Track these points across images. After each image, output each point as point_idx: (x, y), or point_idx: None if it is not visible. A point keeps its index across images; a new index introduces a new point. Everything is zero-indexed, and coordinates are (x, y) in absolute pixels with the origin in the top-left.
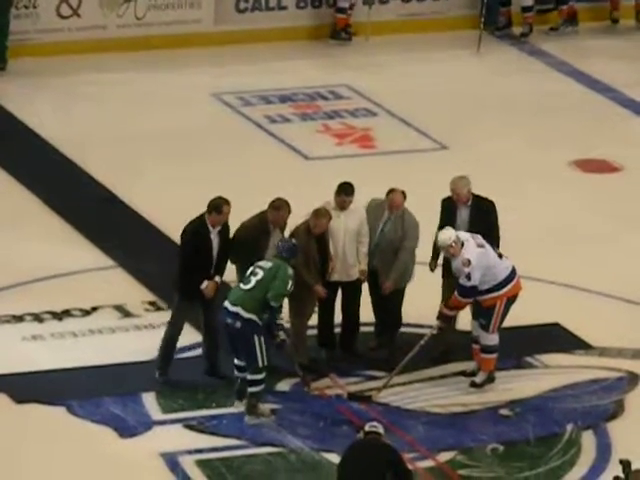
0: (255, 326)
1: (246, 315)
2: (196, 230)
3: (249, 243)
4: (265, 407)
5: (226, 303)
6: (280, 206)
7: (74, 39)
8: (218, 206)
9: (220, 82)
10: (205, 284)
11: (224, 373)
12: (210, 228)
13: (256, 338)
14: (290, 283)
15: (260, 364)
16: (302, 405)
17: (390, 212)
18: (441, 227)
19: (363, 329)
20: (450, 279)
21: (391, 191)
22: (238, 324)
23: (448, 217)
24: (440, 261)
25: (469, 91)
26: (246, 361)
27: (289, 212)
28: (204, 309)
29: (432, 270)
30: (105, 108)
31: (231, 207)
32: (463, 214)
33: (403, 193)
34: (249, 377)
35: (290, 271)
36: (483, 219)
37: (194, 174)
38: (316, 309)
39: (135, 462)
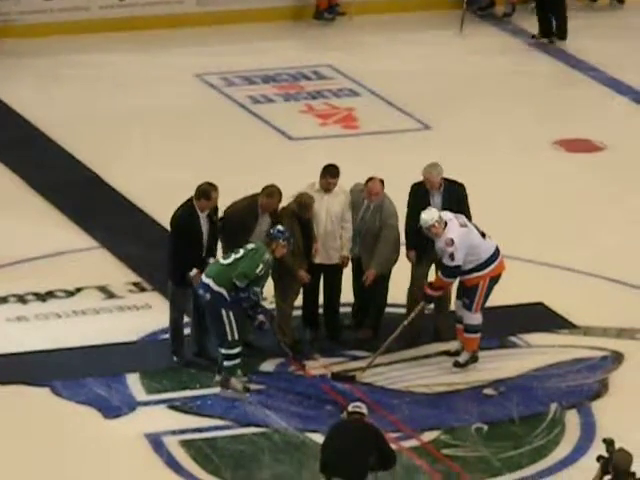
0: (223, 300)
1: (216, 288)
2: (186, 216)
3: (236, 224)
4: (239, 383)
5: (202, 274)
6: (272, 193)
7: (57, 20)
8: (206, 192)
9: (203, 63)
10: (194, 272)
11: (213, 355)
12: (199, 213)
13: (224, 312)
14: (260, 267)
15: (229, 338)
16: (286, 385)
17: (369, 200)
18: (412, 213)
19: (345, 309)
20: (423, 263)
21: (370, 180)
22: (208, 296)
23: (420, 202)
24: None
25: (452, 71)
26: (216, 335)
27: (280, 199)
28: (193, 291)
29: (411, 261)
30: (88, 89)
31: (219, 192)
32: (436, 199)
33: (381, 181)
34: (223, 351)
35: (266, 256)
36: (455, 202)
37: (177, 155)
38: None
39: (119, 443)
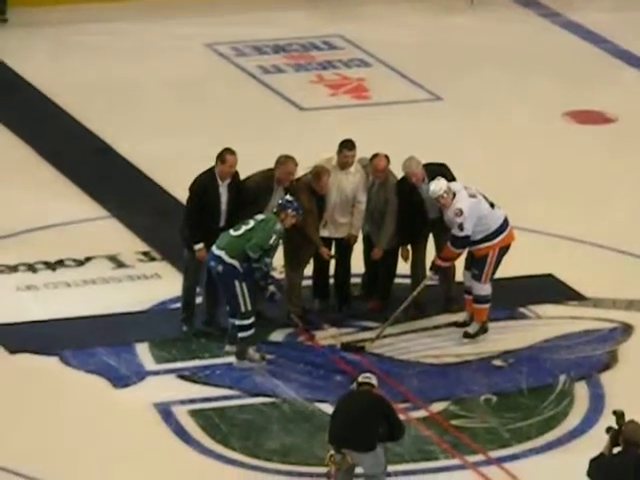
0: (236, 272)
1: (228, 260)
2: (205, 182)
3: (250, 196)
4: (256, 353)
5: (213, 246)
6: (283, 161)
7: None
8: (220, 154)
9: (214, 32)
10: (199, 246)
11: (222, 325)
12: (219, 181)
13: (237, 283)
14: (274, 238)
15: (243, 309)
16: (296, 355)
17: (374, 177)
18: (402, 211)
19: (354, 280)
20: (419, 248)
21: (375, 156)
22: (220, 268)
23: (409, 199)
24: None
25: (463, 42)
26: (229, 306)
27: (295, 167)
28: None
29: (405, 258)
30: (99, 58)
31: (236, 158)
32: (424, 190)
33: (387, 157)
34: (237, 322)
35: (278, 226)
36: None
37: (188, 124)
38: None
39: (128, 412)
